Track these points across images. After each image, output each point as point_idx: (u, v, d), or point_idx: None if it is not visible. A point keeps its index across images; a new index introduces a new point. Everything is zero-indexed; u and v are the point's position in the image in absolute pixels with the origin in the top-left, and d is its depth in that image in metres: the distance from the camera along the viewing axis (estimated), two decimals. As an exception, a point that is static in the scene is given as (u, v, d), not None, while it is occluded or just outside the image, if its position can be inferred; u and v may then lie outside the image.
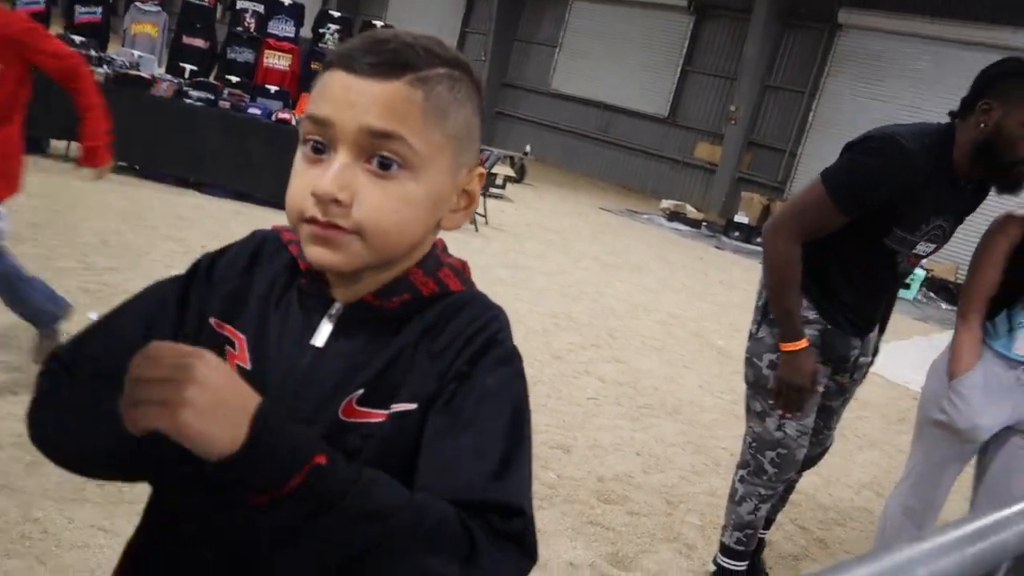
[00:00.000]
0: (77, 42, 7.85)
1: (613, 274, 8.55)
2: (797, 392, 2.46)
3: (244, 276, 0.98)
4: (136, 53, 8.63)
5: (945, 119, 2.41)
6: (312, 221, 0.83)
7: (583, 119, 19.65)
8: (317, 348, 0.90)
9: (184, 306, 0.97)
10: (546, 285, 7.24)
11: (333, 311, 0.91)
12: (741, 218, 13.80)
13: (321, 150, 0.84)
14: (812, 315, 2.51)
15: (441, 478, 0.82)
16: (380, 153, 0.83)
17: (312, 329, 0.91)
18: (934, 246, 2.48)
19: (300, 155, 0.86)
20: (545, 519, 3.13)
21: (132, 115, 7.34)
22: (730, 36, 17.22)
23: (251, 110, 7.90)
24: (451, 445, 0.84)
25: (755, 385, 2.62)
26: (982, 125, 2.26)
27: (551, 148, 19.74)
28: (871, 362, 2.78)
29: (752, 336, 2.64)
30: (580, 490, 3.46)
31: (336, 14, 10.12)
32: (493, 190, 11.47)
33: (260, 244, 1.01)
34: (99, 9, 9.28)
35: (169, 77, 8.37)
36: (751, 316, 2.69)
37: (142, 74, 7.84)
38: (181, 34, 9.28)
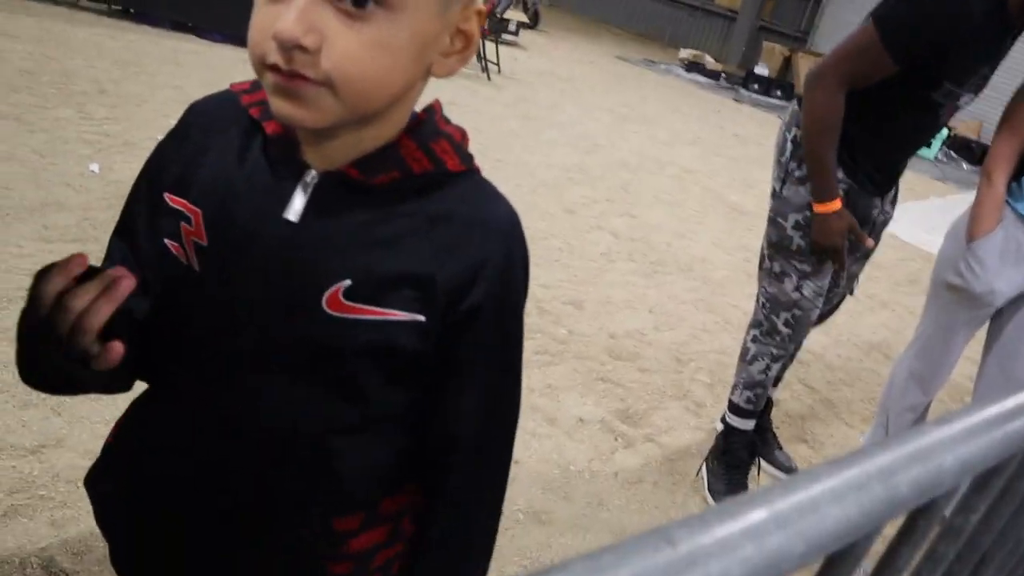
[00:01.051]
0: None
1: (627, 126, 8.33)
2: (833, 253, 2.39)
3: (198, 141, 0.85)
4: None
5: None
6: (275, 69, 0.69)
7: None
8: (291, 222, 0.78)
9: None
10: (558, 137, 7.06)
11: (308, 179, 0.78)
12: (761, 70, 13.34)
13: None
14: (839, 174, 2.40)
15: (464, 422, 0.86)
16: None
17: (283, 200, 0.78)
18: (973, 95, 2.34)
19: None
20: (556, 375, 3.14)
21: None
22: None
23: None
24: (468, 391, 0.86)
25: (777, 246, 2.54)
26: None
27: (565, -8, 18.92)
28: (888, 219, 2.69)
29: (776, 195, 2.54)
30: (591, 346, 3.46)
31: None
32: (506, 36, 11.05)
33: (211, 109, 0.87)
34: None
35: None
36: (770, 173, 2.58)
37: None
38: None
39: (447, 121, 0.85)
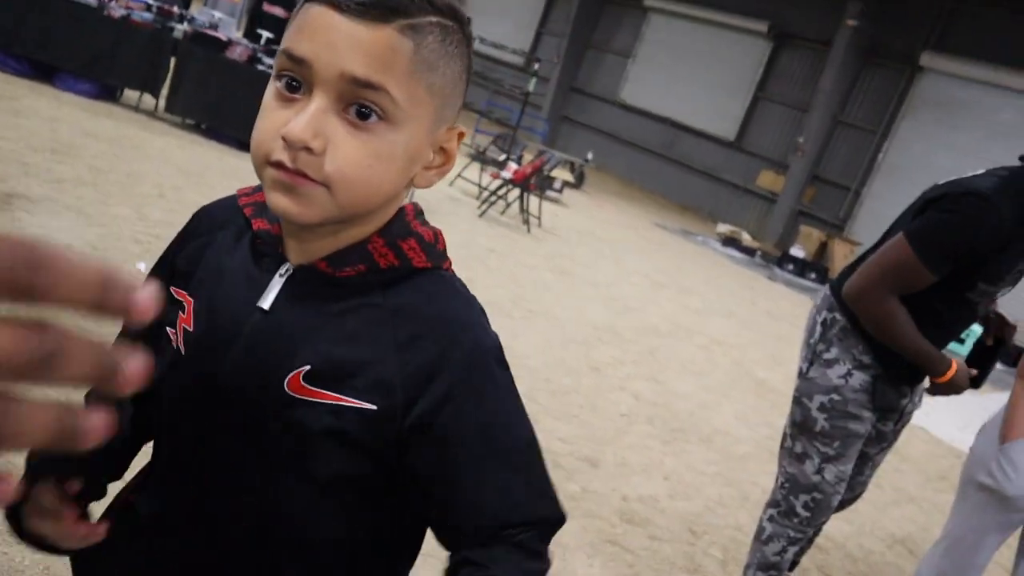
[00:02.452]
0: (161, -3, 7.96)
1: (661, 292, 8.43)
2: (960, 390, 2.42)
3: (201, 239, 0.94)
4: (216, 14, 8.73)
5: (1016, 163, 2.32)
6: (278, 166, 0.76)
7: (648, 133, 19.50)
8: (263, 310, 0.85)
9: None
10: (592, 295, 7.16)
11: (283, 271, 0.86)
12: (797, 251, 13.57)
13: (296, 88, 0.77)
14: (867, 359, 2.42)
15: (482, 511, 0.85)
16: (360, 102, 0.76)
17: (260, 290, 0.86)
18: (1011, 287, 2.38)
19: (272, 91, 0.79)
20: (564, 532, 3.05)
21: (204, 75, 7.42)
22: (807, 66, 16.94)
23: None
24: (484, 478, 0.85)
25: (801, 426, 2.52)
26: None
27: (613, 158, 19.61)
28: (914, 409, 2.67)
29: (802, 375, 2.54)
30: (603, 507, 3.38)
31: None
32: (550, 193, 11.40)
33: (216, 210, 0.98)
34: (186, -32, 9.41)
35: (245, 42, 8.45)
36: (798, 352, 2.59)
37: (219, 35, 7.92)
38: (262, 1, 9.37)
39: (423, 223, 0.90)
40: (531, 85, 14.17)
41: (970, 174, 2.34)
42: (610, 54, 20.77)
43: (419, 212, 0.91)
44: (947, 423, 6.54)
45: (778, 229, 16.20)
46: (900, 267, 2.27)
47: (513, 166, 9.87)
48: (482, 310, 0.91)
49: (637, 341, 6.19)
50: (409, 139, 0.80)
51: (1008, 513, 2.45)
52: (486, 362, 0.87)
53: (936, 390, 2.42)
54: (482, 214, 8.99)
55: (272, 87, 0.80)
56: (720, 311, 8.60)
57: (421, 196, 7.52)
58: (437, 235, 0.91)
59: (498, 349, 0.90)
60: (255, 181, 0.86)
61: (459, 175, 10.12)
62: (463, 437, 0.85)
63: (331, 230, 0.83)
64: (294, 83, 0.77)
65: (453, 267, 0.93)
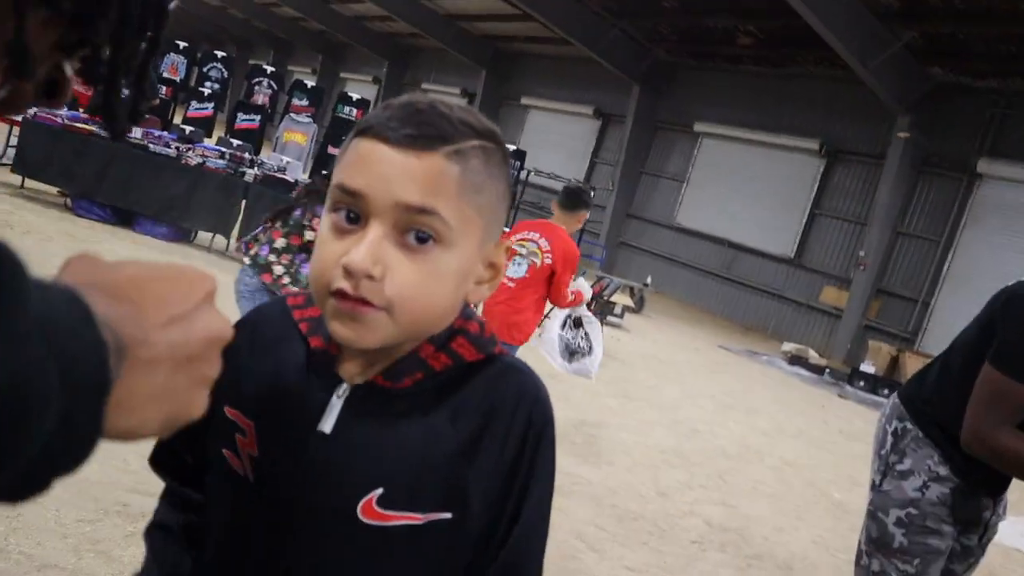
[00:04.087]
0: (235, 144, 8.46)
1: (728, 414, 8.25)
2: None
3: (252, 355, 0.94)
4: (284, 159, 9.22)
5: None
6: (340, 295, 0.79)
7: (706, 255, 19.55)
8: (325, 434, 0.85)
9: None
10: (657, 418, 7.04)
11: (340, 391, 0.87)
12: (867, 367, 13.20)
13: (353, 219, 0.81)
14: (944, 471, 2.32)
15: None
16: (414, 227, 0.80)
17: (320, 412, 0.86)
18: None
19: (329, 223, 0.83)
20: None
21: (272, 217, 7.77)
22: (861, 181, 16.96)
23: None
24: (517, 549, 0.88)
25: (877, 542, 2.40)
26: None
27: (672, 281, 19.64)
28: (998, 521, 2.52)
29: (876, 488, 2.45)
30: (677, 640, 3.22)
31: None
32: (611, 319, 11.42)
33: (266, 321, 0.98)
34: (258, 117, 10.05)
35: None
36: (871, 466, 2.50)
37: (287, 177, 8.33)
38: (327, 144, 9.90)
39: (466, 317, 0.92)
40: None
41: None
42: (664, 179, 21.14)
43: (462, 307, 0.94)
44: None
45: (845, 345, 15.83)
46: (1000, 397, 2.20)
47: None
48: (537, 382, 0.94)
49: (705, 464, 6.02)
50: (461, 258, 0.84)
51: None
52: (548, 440, 0.91)
53: None
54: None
55: (328, 220, 0.83)
56: (790, 431, 8.35)
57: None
58: (483, 325, 0.94)
59: (552, 420, 0.93)
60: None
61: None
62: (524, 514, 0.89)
63: (391, 346, 0.85)
64: (351, 215, 0.81)
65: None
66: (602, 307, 9.95)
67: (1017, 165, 14.24)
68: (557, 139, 23.50)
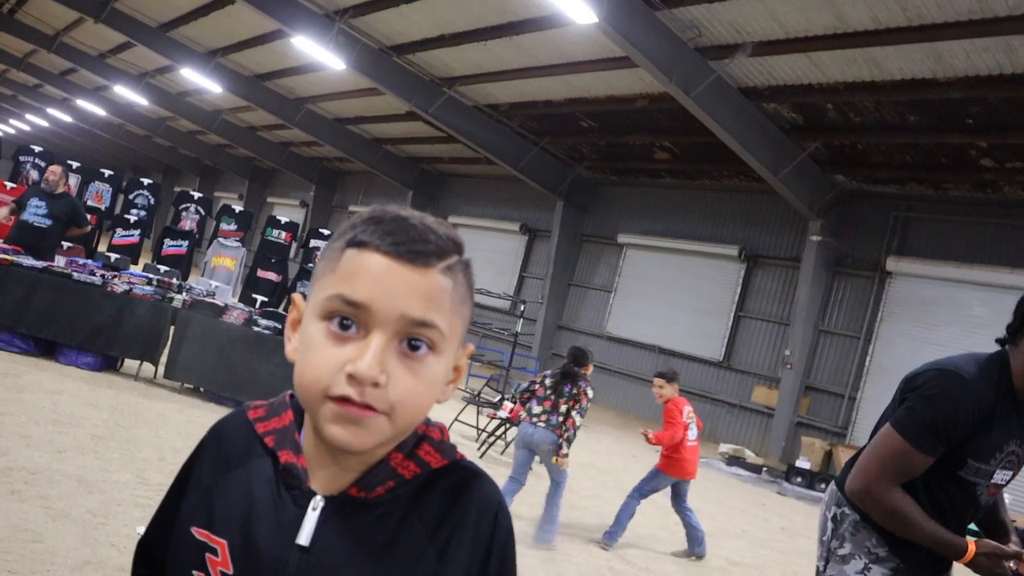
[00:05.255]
0: (162, 271, 8.37)
1: (670, 516, 8.21)
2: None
3: (217, 474, 0.94)
4: (213, 283, 9.16)
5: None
6: (342, 400, 0.81)
7: (638, 362, 19.81)
8: (303, 547, 0.87)
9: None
10: (600, 526, 6.97)
11: (314, 504, 0.88)
12: (803, 463, 13.39)
13: (347, 327, 0.83)
14: (883, 552, 2.38)
15: None
16: (413, 337, 0.84)
17: (296, 525, 0.88)
18: (1011, 473, 2.38)
19: (322, 330, 0.85)
20: None
21: (201, 340, 7.65)
22: (781, 283, 17.60)
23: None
24: None
25: (833, 626, 2.43)
26: None
27: (606, 390, 19.77)
28: None
29: (820, 574, 2.49)
30: None
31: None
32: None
33: (228, 437, 0.98)
34: (186, 243, 10.01)
35: (241, 306, 8.80)
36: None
37: (216, 302, 8.26)
38: (256, 268, 9.87)
39: (427, 424, 0.97)
40: (518, 326, 14.57)
41: (949, 357, 2.43)
42: (592, 289, 21.56)
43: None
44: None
45: (780, 442, 16.06)
46: (895, 456, 2.30)
47: (509, 405, 9.95)
48: (496, 485, 0.97)
49: (652, 569, 5.96)
50: (447, 363, 0.89)
51: None
52: (512, 544, 0.95)
53: (977, 568, 2.34)
54: (482, 455, 8.94)
55: (320, 327, 0.85)
56: (734, 532, 8.35)
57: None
58: (442, 430, 0.98)
59: (512, 528, 0.97)
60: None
61: (456, 419, 10.17)
62: None
63: (368, 454, 0.88)
64: (345, 322, 0.84)
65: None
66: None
67: (922, 262, 15.03)
68: (486, 255, 23.88)
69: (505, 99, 18.54)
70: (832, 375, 16.21)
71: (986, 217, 14.44)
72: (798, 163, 15.14)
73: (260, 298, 9.37)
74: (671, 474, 6.41)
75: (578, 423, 5.87)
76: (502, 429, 9.32)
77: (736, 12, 11.68)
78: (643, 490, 6.45)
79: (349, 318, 0.84)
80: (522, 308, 16.43)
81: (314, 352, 0.84)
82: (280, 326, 8.19)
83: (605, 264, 21.38)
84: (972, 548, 2.30)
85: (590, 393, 6.08)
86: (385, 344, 0.82)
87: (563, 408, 5.95)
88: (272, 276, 9.91)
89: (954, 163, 14.05)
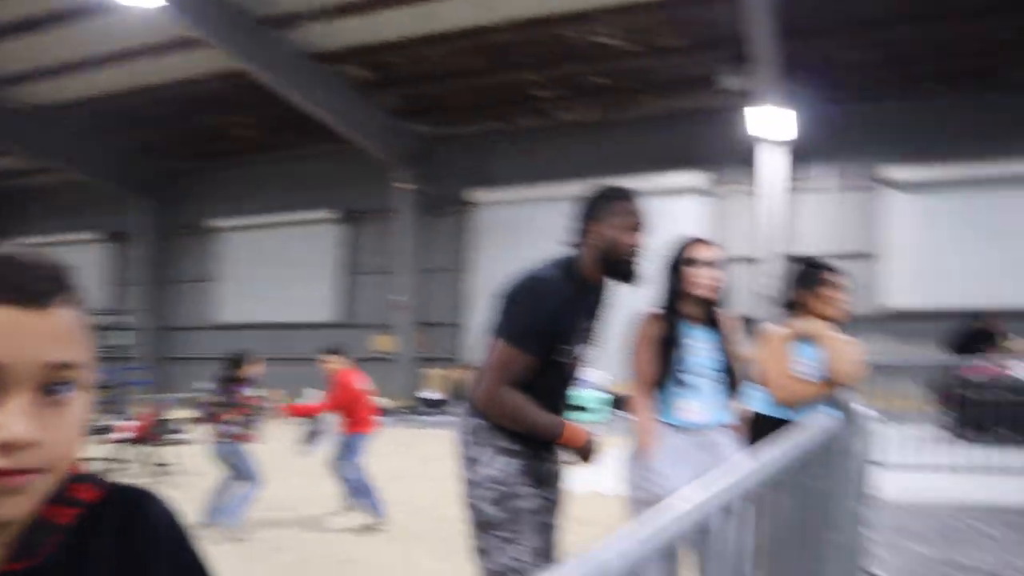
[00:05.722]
0: None
1: (322, 483, 8.31)
2: (592, 449, 2.69)
3: None
4: None
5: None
6: None
7: (258, 343, 19.15)
8: None
9: None
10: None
11: None
12: (430, 394, 14.17)
13: None
14: (510, 444, 2.67)
15: None
16: (57, 383, 0.76)
17: None
18: (584, 344, 2.83)
19: None
20: None
21: None
22: (383, 235, 18.20)
23: None
24: None
25: (483, 524, 2.67)
26: (594, 242, 2.73)
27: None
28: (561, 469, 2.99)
29: (463, 480, 2.73)
30: None
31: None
32: (175, 436, 10.70)
33: None
34: None
35: None
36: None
37: None
38: None
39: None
40: (117, 338, 13.46)
41: (528, 267, 2.79)
42: (190, 283, 20.49)
43: None
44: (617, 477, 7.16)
45: (408, 382, 16.88)
46: (507, 364, 2.61)
47: (128, 424, 9.25)
48: (149, 492, 0.92)
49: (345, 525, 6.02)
50: (91, 395, 0.81)
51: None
52: (188, 540, 0.91)
53: (575, 457, 2.73)
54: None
55: None
56: (384, 476, 8.65)
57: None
58: (74, 463, 0.89)
59: (182, 525, 0.92)
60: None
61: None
62: None
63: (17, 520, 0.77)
64: None
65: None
66: (163, 429, 9.41)
67: (500, 190, 16.59)
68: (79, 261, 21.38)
69: (61, 99, 16.84)
70: (441, 309, 17.31)
71: (549, 140, 16.31)
72: (379, 119, 15.71)
73: None
74: (362, 431, 6.84)
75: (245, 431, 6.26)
76: (125, 452, 8.64)
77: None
78: (352, 459, 6.66)
79: None
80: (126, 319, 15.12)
81: None
82: None
83: (200, 254, 20.41)
84: (567, 429, 2.69)
85: (249, 392, 6.47)
86: (29, 399, 0.73)
87: (233, 416, 6.30)
88: None
89: (517, 98, 15.62)
